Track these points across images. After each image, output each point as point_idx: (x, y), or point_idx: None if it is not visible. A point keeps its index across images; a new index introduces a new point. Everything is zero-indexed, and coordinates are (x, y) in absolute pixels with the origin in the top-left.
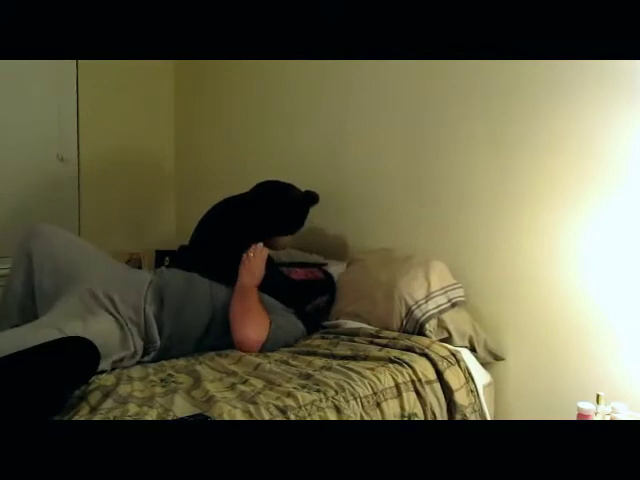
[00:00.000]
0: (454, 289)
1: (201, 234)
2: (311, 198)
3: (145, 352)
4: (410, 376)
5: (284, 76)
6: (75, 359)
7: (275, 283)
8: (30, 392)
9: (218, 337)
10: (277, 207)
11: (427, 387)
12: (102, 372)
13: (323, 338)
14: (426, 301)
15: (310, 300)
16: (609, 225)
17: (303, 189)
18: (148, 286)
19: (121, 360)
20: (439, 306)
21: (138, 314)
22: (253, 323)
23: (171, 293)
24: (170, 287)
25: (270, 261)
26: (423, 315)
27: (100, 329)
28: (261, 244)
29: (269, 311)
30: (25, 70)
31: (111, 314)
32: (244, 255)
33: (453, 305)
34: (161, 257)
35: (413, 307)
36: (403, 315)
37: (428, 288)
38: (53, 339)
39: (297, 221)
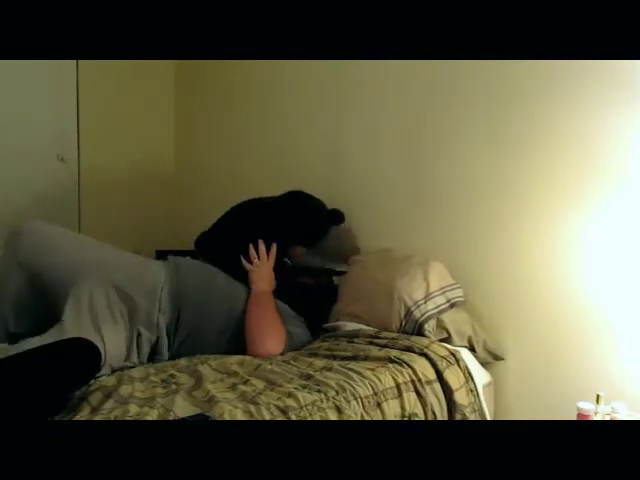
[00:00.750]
0: (453, 289)
1: (223, 227)
2: (336, 217)
3: (151, 359)
4: (410, 376)
5: (284, 76)
6: (76, 360)
7: (287, 286)
8: (30, 393)
9: (233, 343)
10: (300, 216)
11: (427, 387)
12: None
13: (323, 340)
14: (425, 301)
15: (319, 306)
16: (609, 225)
17: (308, 191)
18: (161, 290)
19: (122, 368)
20: (438, 306)
21: (150, 324)
22: (270, 337)
23: (189, 296)
24: (188, 288)
25: (282, 265)
26: (422, 315)
27: (110, 339)
28: (273, 247)
29: (282, 319)
30: (25, 70)
31: (124, 322)
32: (252, 264)
33: (452, 305)
34: (161, 257)
35: (412, 308)
36: (402, 316)
37: (427, 288)
38: (54, 340)
39: (315, 234)
